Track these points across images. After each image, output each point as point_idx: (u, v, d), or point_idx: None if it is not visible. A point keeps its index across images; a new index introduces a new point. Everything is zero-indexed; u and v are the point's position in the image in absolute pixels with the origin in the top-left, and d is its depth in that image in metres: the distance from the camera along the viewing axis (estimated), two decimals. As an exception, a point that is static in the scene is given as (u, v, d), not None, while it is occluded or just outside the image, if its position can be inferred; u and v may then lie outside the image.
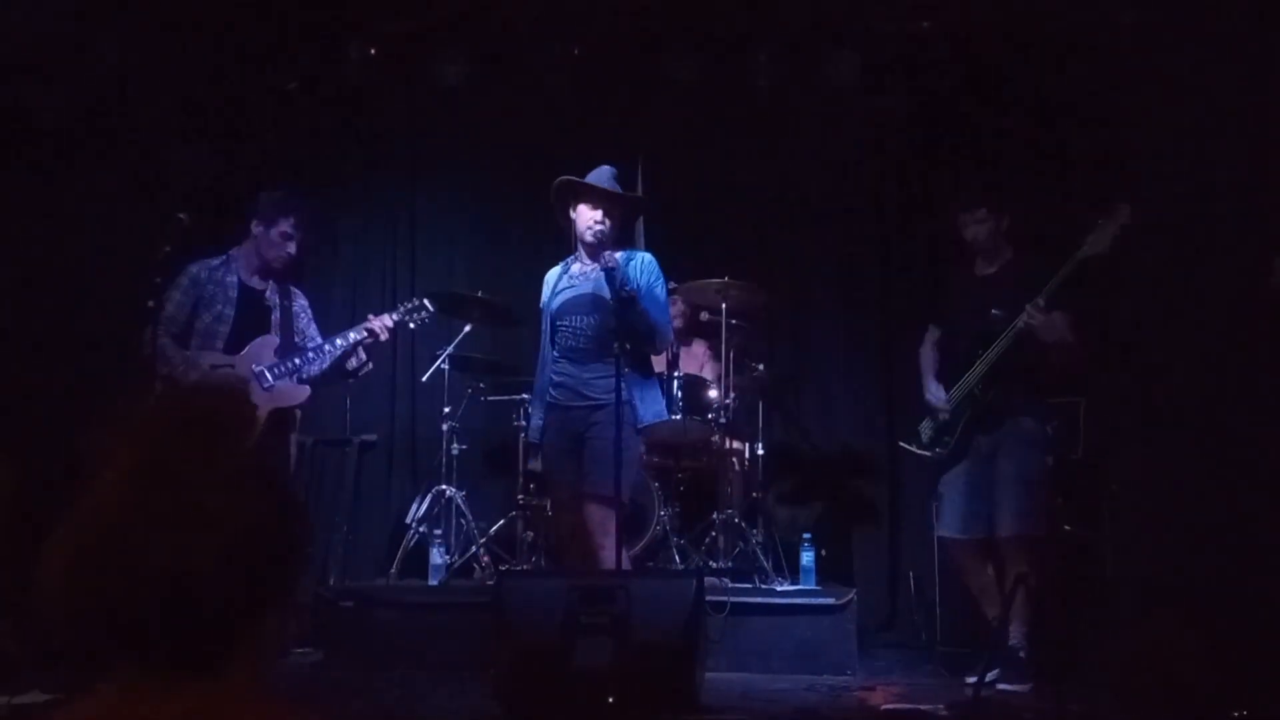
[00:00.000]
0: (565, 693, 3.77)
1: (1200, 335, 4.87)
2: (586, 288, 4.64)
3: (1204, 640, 3.74)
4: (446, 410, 5.91)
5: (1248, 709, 3.53)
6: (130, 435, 1.11)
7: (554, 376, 4.65)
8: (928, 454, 4.86)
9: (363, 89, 6.45)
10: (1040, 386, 4.81)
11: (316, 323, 5.02)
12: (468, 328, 6.01)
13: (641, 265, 4.66)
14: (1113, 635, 4.56)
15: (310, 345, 4.82)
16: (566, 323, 4.64)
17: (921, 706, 4.17)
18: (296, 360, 4.73)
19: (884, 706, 4.23)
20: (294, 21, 6.15)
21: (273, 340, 4.75)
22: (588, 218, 4.61)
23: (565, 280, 4.72)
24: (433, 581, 5.50)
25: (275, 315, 4.80)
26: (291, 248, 4.82)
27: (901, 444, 5.08)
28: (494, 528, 5.86)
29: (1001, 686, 4.41)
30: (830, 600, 5.09)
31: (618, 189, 4.77)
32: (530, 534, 5.78)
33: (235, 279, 4.74)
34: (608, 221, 4.62)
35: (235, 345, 4.66)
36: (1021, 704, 4.23)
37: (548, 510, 5.43)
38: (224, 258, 4.78)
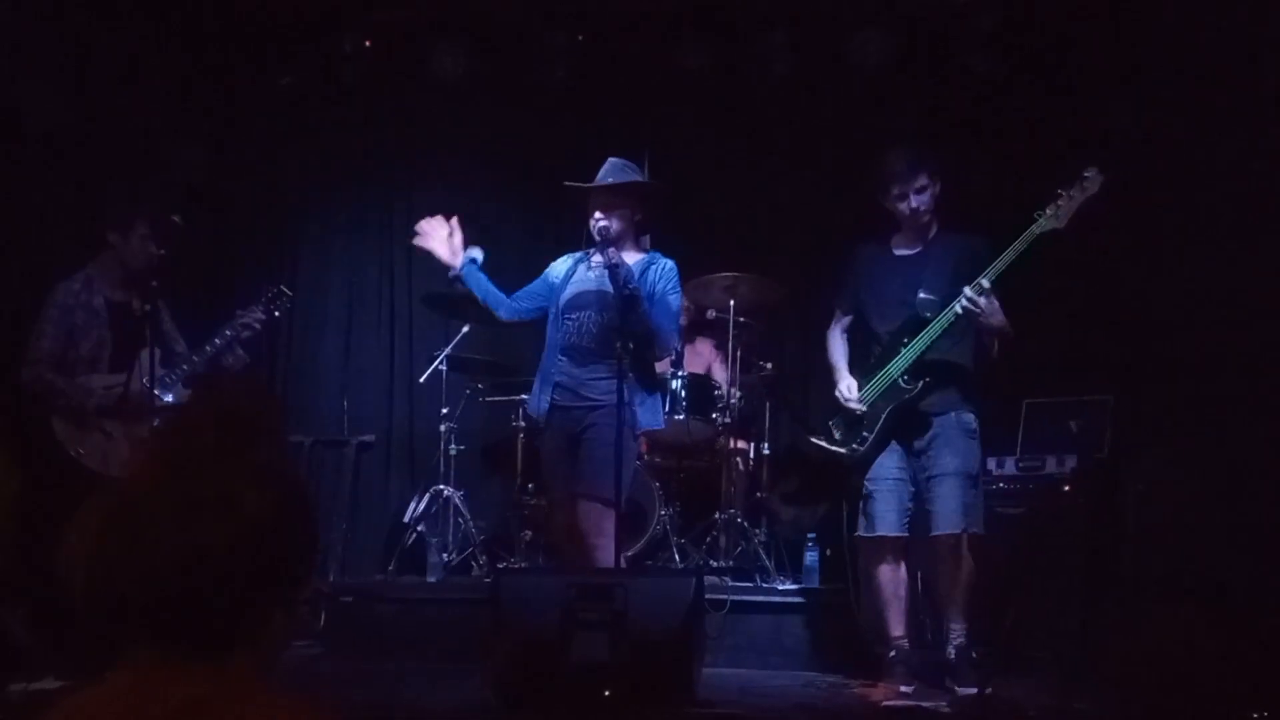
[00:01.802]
0: (562, 686, 3.76)
1: (1228, 330, 4.80)
2: (594, 284, 4.60)
3: (1224, 640, 3.70)
4: (444, 411, 5.91)
5: (1269, 710, 3.49)
6: (166, 423, 1.19)
7: (555, 376, 4.62)
8: (842, 451, 4.46)
9: (357, 82, 6.41)
10: (980, 377, 4.42)
11: (313, 324, 5.06)
12: (465, 328, 6.00)
13: (660, 271, 4.60)
14: (1130, 635, 4.50)
15: (190, 350, 4.84)
16: (573, 318, 4.60)
17: (923, 704, 4.13)
18: (185, 366, 4.78)
19: (884, 703, 4.19)
20: (286, 14, 6.13)
21: (155, 353, 4.73)
22: (591, 218, 4.57)
23: (580, 270, 4.68)
24: (431, 579, 5.49)
25: (147, 326, 4.73)
26: (152, 248, 4.72)
27: (813, 439, 4.60)
28: (492, 528, 5.85)
29: (964, 690, 4.21)
30: (831, 599, 5.06)
31: (632, 177, 4.69)
32: (528, 533, 5.77)
33: (101, 299, 4.70)
34: (610, 218, 4.56)
35: (118, 364, 4.63)
36: (1027, 701, 4.17)
37: (545, 510, 5.41)
38: (82, 278, 4.73)
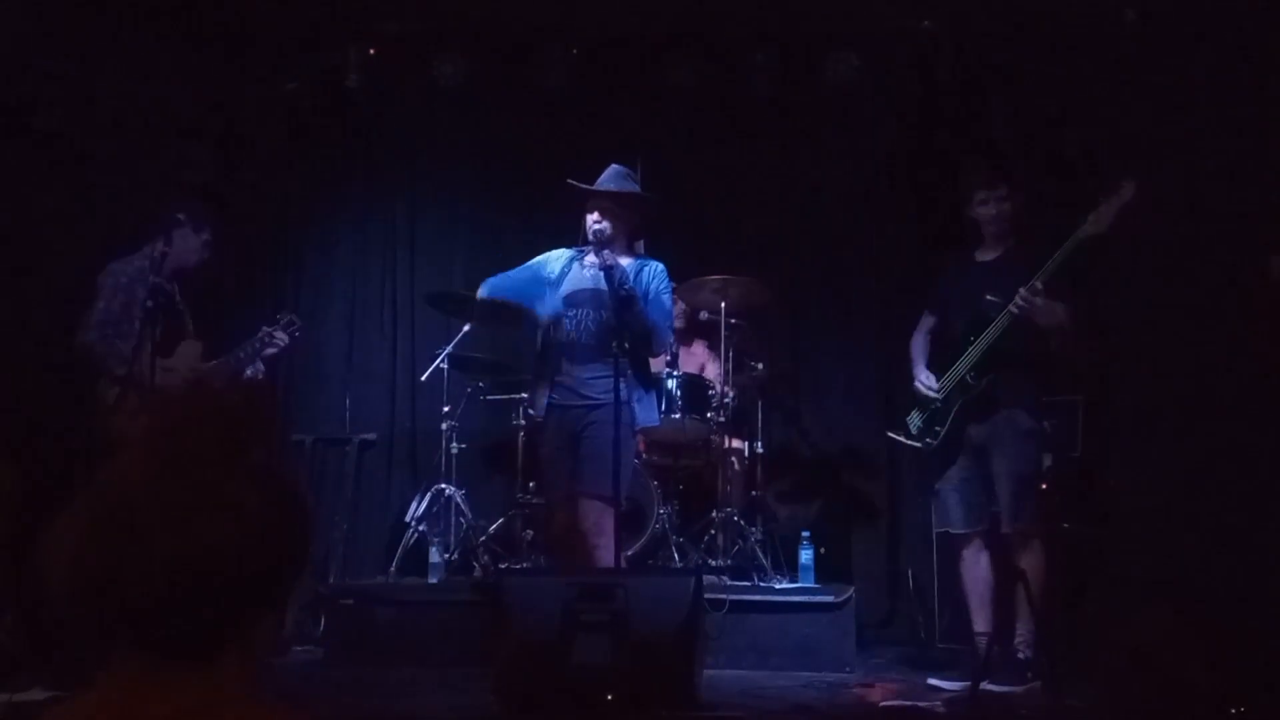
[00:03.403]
0: (564, 689, 3.79)
1: (1201, 332, 4.86)
2: (590, 283, 4.66)
3: (1202, 638, 3.75)
4: (445, 409, 5.92)
5: (1245, 707, 3.54)
6: (153, 422, 1.13)
7: (553, 374, 4.65)
8: (917, 444, 4.71)
9: (361, 89, 6.45)
10: (1037, 377, 4.66)
11: (316, 323, 5.14)
12: (466, 328, 6.01)
13: (652, 273, 4.69)
14: (1111, 632, 4.56)
15: (226, 355, 4.97)
16: (571, 315, 4.65)
17: (919, 704, 4.18)
18: (223, 368, 4.90)
19: (882, 703, 4.23)
20: (292, 21, 6.16)
21: (197, 345, 4.90)
22: (587, 219, 4.64)
23: (575, 269, 4.72)
24: (432, 579, 5.51)
25: (187, 319, 4.92)
26: (208, 254, 4.98)
27: (890, 434, 4.93)
28: (493, 526, 5.87)
29: (989, 687, 4.29)
30: (829, 598, 5.09)
31: (631, 186, 4.78)
32: (529, 533, 5.79)
33: (155, 282, 4.73)
34: (606, 222, 4.63)
35: (164, 349, 4.69)
36: (1019, 701, 4.23)
37: (544, 509, 5.43)
38: (145, 260, 4.81)
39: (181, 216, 4.86)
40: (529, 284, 4.79)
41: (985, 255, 4.75)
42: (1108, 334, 5.34)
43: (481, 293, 4.81)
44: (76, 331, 4.75)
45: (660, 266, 4.74)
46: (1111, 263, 5.41)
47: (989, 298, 4.52)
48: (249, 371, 4.95)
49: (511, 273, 4.87)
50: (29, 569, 1.12)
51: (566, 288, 4.70)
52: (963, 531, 4.62)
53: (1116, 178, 4.39)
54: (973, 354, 4.52)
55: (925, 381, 4.68)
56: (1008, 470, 4.49)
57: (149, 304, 4.57)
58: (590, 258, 4.65)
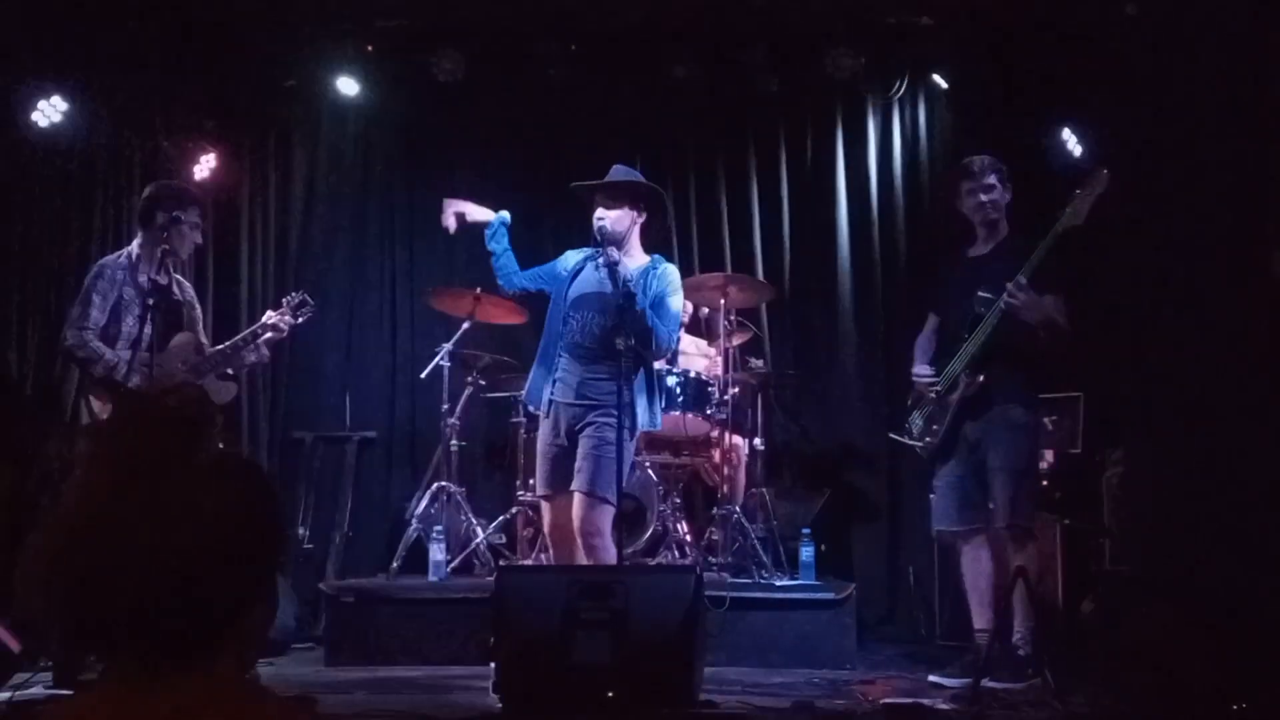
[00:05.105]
0: (565, 687, 3.78)
1: (1200, 327, 4.86)
2: (595, 286, 4.64)
3: (1203, 634, 3.75)
4: (446, 407, 5.91)
5: (1247, 702, 3.54)
6: (109, 433, 1.14)
7: (556, 371, 4.65)
8: (918, 444, 4.72)
9: (359, 85, 6.46)
10: (1029, 372, 4.62)
11: (315, 320, 5.20)
12: (466, 324, 6.01)
13: (661, 275, 4.66)
14: (1112, 629, 4.56)
15: (223, 344, 4.96)
16: (576, 317, 4.63)
17: (920, 700, 4.18)
18: (218, 357, 4.88)
19: (883, 700, 4.23)
20: (291, 20, 6.17)
21: (192, 338, 4.86)
22: (594, 216, 4.63)
23: (588, 269, 4.71)
24: (433, 578, 5.50)
25: (184, 310, 4.89)
26: (198, 236, 4.91)
27: (892, 435, 4.95)
28: (493, 524, 5.87)
29: (990, 684, 4.26)
30: (830, 595, 5.10)
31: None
32: (530, 530, 5.79)
33: (145, 278, 4.74)
34: (608, 217, 4.61)
35: (158, 344, 4.67)
36: (1021, 698, 4.23)
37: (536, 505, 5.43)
38: (131, 256, 4.79)
39: (162, 208, 4.79)
40: (553, 276, 4.80)
41: (978, 250, 4.74)
42: (1108, 328, 5.35)
43: (510, 283, 4.80)
44: (66, 329, 4.74)
45: (669, 269, 4.72)
46: (1112, 259, 5.42)
47: (981, 293, 4.50)
48: (251, 358, 4.95)
49: (541, 268, 4.88)
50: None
51: (576, 289, 4.68)
52: (960, 528, 4.62)
53: (1090, 168, 4.41)
54: (967, 351, 4.52)
55: (920, 371, 4.70)
56: (1000, 465, 4.48)
57: (145, 301, 4.57)
58: (601, 259, 4.64)
